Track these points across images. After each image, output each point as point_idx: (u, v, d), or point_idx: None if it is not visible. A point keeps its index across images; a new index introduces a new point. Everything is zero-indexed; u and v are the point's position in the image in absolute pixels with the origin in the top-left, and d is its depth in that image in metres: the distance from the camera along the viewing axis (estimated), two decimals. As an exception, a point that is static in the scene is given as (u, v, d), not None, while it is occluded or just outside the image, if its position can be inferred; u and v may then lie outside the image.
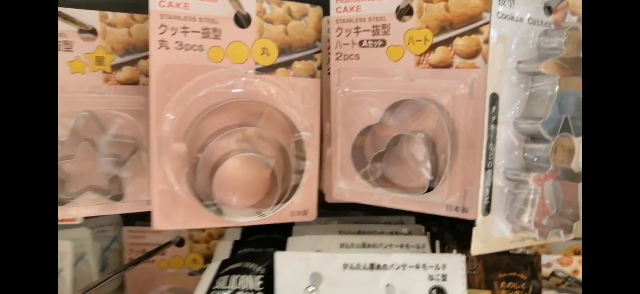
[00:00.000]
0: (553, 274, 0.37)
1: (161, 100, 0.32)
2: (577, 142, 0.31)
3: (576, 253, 0.40)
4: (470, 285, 0.37)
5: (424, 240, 0.41)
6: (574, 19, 0.32)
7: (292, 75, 0.35)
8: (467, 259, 0.37)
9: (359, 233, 0.45)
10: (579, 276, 0.38)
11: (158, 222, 0.33)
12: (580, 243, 0.38)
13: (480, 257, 0.37)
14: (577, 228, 0.31)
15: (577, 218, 0.31)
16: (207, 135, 0.33)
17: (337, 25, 0.34)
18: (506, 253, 0.37)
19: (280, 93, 0.34)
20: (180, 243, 0.51)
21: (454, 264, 0.35)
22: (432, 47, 0.31)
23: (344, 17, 0.34)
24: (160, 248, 0.49)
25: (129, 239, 0.52)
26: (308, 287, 0.33)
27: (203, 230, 0.51)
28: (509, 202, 0.31)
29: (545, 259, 0.37)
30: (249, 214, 0.34)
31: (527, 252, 0.38)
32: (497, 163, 0.30)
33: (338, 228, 0.46)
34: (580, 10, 0.32)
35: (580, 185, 0.31)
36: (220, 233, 0.51)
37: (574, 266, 0.37)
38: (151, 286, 0.52)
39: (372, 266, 0.35)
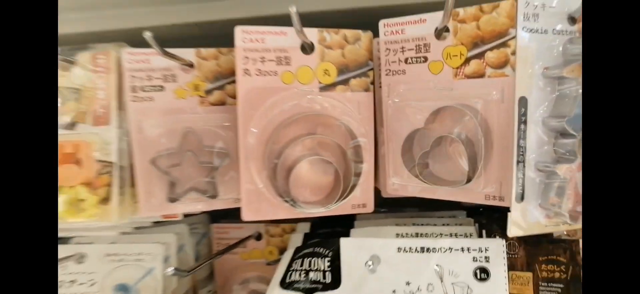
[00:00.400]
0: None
1: (246, 117, 0.40)
2: (604, 136, 0.35)
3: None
4: (512, 267, 0.41)
5: (472, 229, 0.46)
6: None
7: (350, 90, 0.42)
8: (509, 244, 0.41)
9: (413, 225, 0.51)
10: None
11: (246, 214, 0.41)
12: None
13: (521, 242, 0.41)
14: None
15: (608, 203, 0.35)
16: (282, 143, 0.41)
17: (385, 46, 0.41)
18: (546, 238, 0.41)
19: (340, 106, 0.41)
20: (258, 237, 0.60)
21: (496, 248, 0.40)
22: (467, 61, 0.37)
23: (390, 39, 0.40)
24: (242, 241, 0.57)
25: (216, 234, 0.61)
26: (367, 262, 0.40)
27: (278, 225, 0.59)
28: (541, 191, 0.36)
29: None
30: (318, 207, 0.42)
31: (568, 238, 0.41)
32: (528, 157, 0.35)
33: (394, 221, 0.52)
34: (604, 18, 0.36)
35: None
36: (292, 228, 0.59)
37: None
38: (234, 274, 0.61)
39: (422, 250, 0.41)
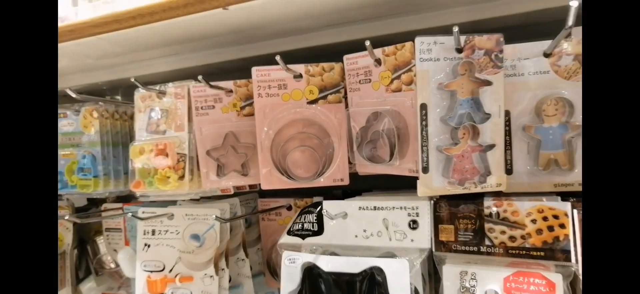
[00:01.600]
0: (490, 214, 0.55)
1: (261, 122, 0.63)
2: (480, 126, 0.51)
3: (504, 196, 0.56)
4: (441, 221, 0.58)
5: (419, 202, 0.63)
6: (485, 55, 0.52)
7: (327, 103, 0.63)
8: (436, 204, 0.59)
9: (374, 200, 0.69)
10: (506, 214, 0.54)
11: (264, 185, 0.64)
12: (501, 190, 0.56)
13: (446, 202, 0.58)
14: (489, 180, 0.51)
15: (489, 173, 0.51)
16: (284, 138, 0.64)
17: (348, 72, 0.61)
18: (464, 199, 0.57)
19: (320, 113, 0.62)
20: (289, 208, 0.82)
21: (424, 206, 0.58)
22: (392, 81, 0.56)
23: (350, 68, 0.60)
24: (276, 208, 0.81)
25: (261, 206, 0.85)
26: (339, 214, 0.60)
27: (303, 199, 0.81)
28: (441, 165, 0.53)
29: (486, 202, 0.56)
30: (309, 180, 0.63)
31: (480, 199, 0.57)
32: (430, 142, 0.53)
33: (362, 198, 0.71)
34: (486, 45, 0.52)
35: (491, 153, 0.51)
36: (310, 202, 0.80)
37: (504, 207, 0.55)
38: (273, 236, 0.84)
39: (374, 208, 0.60)
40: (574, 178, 0.54)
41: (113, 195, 0.91)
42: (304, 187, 0.64)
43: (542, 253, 0.52)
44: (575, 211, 0.50)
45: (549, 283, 0.50)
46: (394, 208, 0.59)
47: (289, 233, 0.65)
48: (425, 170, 0.53)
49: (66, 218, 0.74)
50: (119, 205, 0.99)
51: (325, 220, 0.62)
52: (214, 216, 0.66)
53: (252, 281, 0.80)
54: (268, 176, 0.64)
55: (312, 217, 0.64)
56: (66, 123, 0.88)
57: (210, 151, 0.68)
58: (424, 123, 0.53)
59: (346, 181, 0.64)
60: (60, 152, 0.87)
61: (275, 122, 0.63)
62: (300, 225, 0.65)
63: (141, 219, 0.72)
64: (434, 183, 0.54)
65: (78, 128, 0.87)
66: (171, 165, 0.69)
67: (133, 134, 0.89)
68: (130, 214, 0.76)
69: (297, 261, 0.60)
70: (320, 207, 0.63)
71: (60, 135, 0.87)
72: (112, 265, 1.01)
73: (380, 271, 0.55)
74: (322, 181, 0.63)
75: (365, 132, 0.59)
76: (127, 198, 1.01)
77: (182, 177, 0.69)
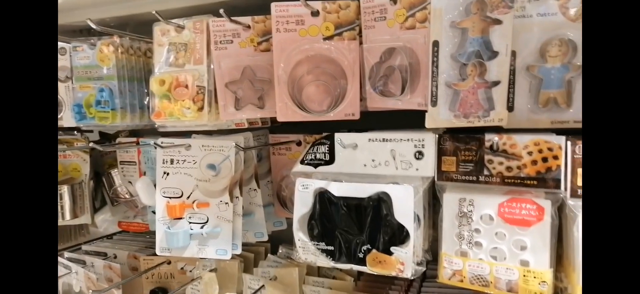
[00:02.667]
0: (490, 146, 0.60)
1: (278, 57, 0.66)
2: (487, 63, 0.55)
3: (505, 131, 0.60)
4: (444, 153, 0.63)
5: (425, 135, 0.68)
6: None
7: (342, 39, 0.66)
8: (440, 137, 0.63)
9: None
10: (505, 147, 0.59)
11: (280, 117, 0.68)
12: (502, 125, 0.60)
13: (449, 135, 0.63)
14: (492, 115, 0.56)
15: (492, 109, 0.56)
16: (299, 73, 0.67)
17: (364, 10, 0.64)
18: (466, 133, 0.62)
19: (335, 49, 0.66)
20: (299, 143, 0.87)
21: (430, 138, 0.62)
22: (406, 19, 0.59)
23: (368, 6, 0.63)
24: (287, 142, 0.85)
25: (272, 140, 0.90)
26: (350, 145, 0.65)
27: (311, 135, 0.86)
28: (449, 100, 0.57)
29: (487, 136, 0.60)
30: (322, 113, 0.67)
31: (482, 133, 0.61)
32: (440, 78, 0.57)
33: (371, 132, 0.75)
34: (497, -13, 0.55)
35: (495, 90, 0.55)
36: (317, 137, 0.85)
37: (503, 140, 0.59)
38: (283, 169, 0.89)
39: (383, 140, 0.65)
40: (570, 116, 0.58)
41: (129, 128, 0.95)
42: (316, 121, 0.68)
43: (535, 182, 0.57)
44: (569, 143, 0.55)
45: (539, 208, 0.56)
46: (401, 139, 0.64)
47: (302, 162, 0.70)
48: (434, 103, 0.58)
49: (90, 144, 0.78)
50: (133, 139, 1.03)
51: (337, 149, 0.67)
52: (234, 143, 0.71)
53: (263, 210, 0.86)
54: (284, 108, 0.68)
55: (324, 148, 0.69)
56: (82, 56, 0.91)
57: (228, 84, 0.72)
58: (435, 59, 0.56)
59: (357, 116, 0.68)
60: (78, 84, 0.90)
61: (291, 57, 0.66)
62: (312, 155, 0.70)
63: (162, 147, 0.76)
64: (441, 116, 0.58)
65: (94, 62, 0.90)
66: (191, 97, 0.72)
67: (147, 70, 0.92)
68: (152, 142, 0.80)
69: (310, 187, 0.66)
70: (332, 139, 0.68)
71: (78, 68, 0.90)
72: (127, 196, 1.07)
73: (387, 195, 0.61)
74: (334, 116, 0.67)
75: (379, 67, 0.62)
76: (139, 133, 1.05)
77: (201, 109, 0.73)
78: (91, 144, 0.79)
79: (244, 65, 0.71)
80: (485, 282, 0.59)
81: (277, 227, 0.92)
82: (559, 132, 0.58)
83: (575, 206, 0.53)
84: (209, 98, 0.73)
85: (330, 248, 0.65)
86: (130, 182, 1.05)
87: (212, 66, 0.73)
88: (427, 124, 0.58)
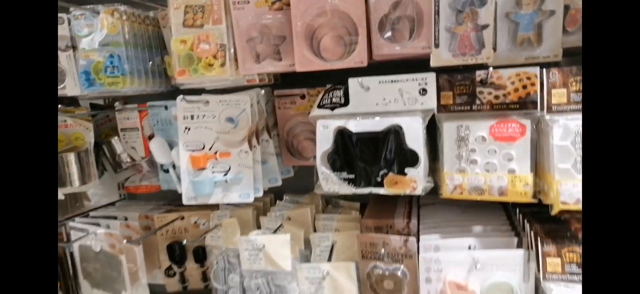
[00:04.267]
0: (481, 80, 0.73)
1: (296, 15, 0.75)
2: (478, 10, 0.67)
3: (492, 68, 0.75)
4: (442, 89, 0.76)
5: (427, 75, 0.80)
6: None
7: (351, -4, 0.75)
8: (438, 76, 0.76)
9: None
10: (493, 80, 0.73)
11: (298, 67, 0.77)
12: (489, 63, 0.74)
13: (446, 75, 0.75)
14: (483, 53, 0.68)
15: (483, 48, 0.68)
16: (315, 27, 0.76)
17: (370, -31, 0.74)
18: (460, 71, 0.75)
19: (347, 3, 0.75)
20: (303, 96, 0.96)
21: (431, 76, 0.74)
22: (411, -25, 0.70)
23: (373, -35, 0.73)
24: (292, 95, 0.94)
25: (277, 94, 0.98)
26: (364, 87, 0.75)
27: (315, 88, 0.95)
28: (448, 42, 0.69)
29: (477, 72, 0.74)
30: (336, 62, 0.77)
31: (473, 71, 0.74)
32: (441, 23, 0.68)
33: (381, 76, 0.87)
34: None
35: (485, 32, 0.68)
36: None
37: (491, 74, 0.73)
38: (289, 121, 0.98)
39: (392, 81, 0.76)
40: (540, 52, 0.72)
41: (137, 92, 0.99)
42: (319, 75, 0.77)
43: (518, 106, 0.71)
44: (543, 71, 0.70)
45: (522, 126, 0.70)
46: (407, 79, 0.75)
47: (319, 107, 0.80)
48: (437, 45, 0.69)
49: (116, 106, 0.82)
50: (133, 105, 1.07)
51: (351, 92, 0.77)
52: (249, 97, 0.79)
53: (275, 158, 0.95)
54: (302, 58, 0.77)
55: (339, 92, 0.79)
56: (84, 25, 0.93)
57: (247, 42, 0.79)
58: (436, 8, 0.68)
59: (365, 64, 0.78)
60: (83, 53, 0.93)
61: (308, 10, 0.75)
62: (328, 100, 0.80)
63: (187, 102, 0.83)
64: (442, 56, 0.70)
65: (98, 29, 0.93)
66: (213, 54, 0.79)
67: (148, 36, 0.97)
68: (181, 96, 0.86)
69: (330, 126, 0.76)
70: (346, 84, 0.78)
71: (80, 37, 0.93)
72: (129, 161, 1.11)
73: (399, 127, 0.72)
74: (346, 64, 0.77)
75: (388, 17, 0.73)
76: (131, 101, 1.09)
77: (223, 64, 0.80)
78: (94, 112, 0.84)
79: (261, 24, 0.79)
80: (481, 191, 0.73)
81: (285, 175, 1.02)
82: (532, 66, 0.73)
83: (550, 120, 0.68)
84: (230, 56, 0.80)
85: (351, 176, 0.76)
86: (133, 147, 1.10)
87: (230, 25, 0.80)
88: (432, 63, 0.70)
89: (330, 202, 1.07)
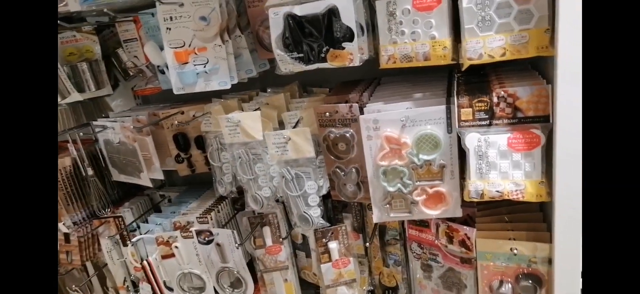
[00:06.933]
0: None
1: None
2: None
3: None
4: None
5: None
6: None
7: None
8: None
9: None
10: None
11: None
12: None
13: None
14: None
15: None
16: None
17: None
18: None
19: None
20: None
21: None
22: None
23: None
24: (260, -5, 1.06)
25: (248, -2, 1.10)
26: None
27: None
28: None
29: None
30: None
31: None
32: None
33: None
34: None
35: None
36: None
37: None
38: (259, 16, 1.11)
39: None
40: None
41: (127, 4, 1.14)
42: None
43: None
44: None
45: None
46: None
47: (272, -2, 0.92)
48: None
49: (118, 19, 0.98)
50: (130, 18, 1.23)
51: None
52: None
53: (248, 52, 1.09)
54: None
55: None
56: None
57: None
58: None
59: None
60: (77, -29, 1.08)
61: None
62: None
63: (161, 3, 0.97)
64: (366, -62, 0.79)
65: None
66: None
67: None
68: (158, 2, 1.00)
69: (279, 13, 0.89)
70: None
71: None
72: (134, 67, 1.29)
73: (335, 7, 0.84)
74: None
75: None
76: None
77: (187, -32, 0.93)
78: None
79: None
80: (409, 58, 0.85)
81: (262, 68, 1.16)
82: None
83: (461, -16, 0.77)
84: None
85: (301, 55, 0.89)
86: (136, 56, 1.27)
87: None
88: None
89: (306, 90, 1.22)
